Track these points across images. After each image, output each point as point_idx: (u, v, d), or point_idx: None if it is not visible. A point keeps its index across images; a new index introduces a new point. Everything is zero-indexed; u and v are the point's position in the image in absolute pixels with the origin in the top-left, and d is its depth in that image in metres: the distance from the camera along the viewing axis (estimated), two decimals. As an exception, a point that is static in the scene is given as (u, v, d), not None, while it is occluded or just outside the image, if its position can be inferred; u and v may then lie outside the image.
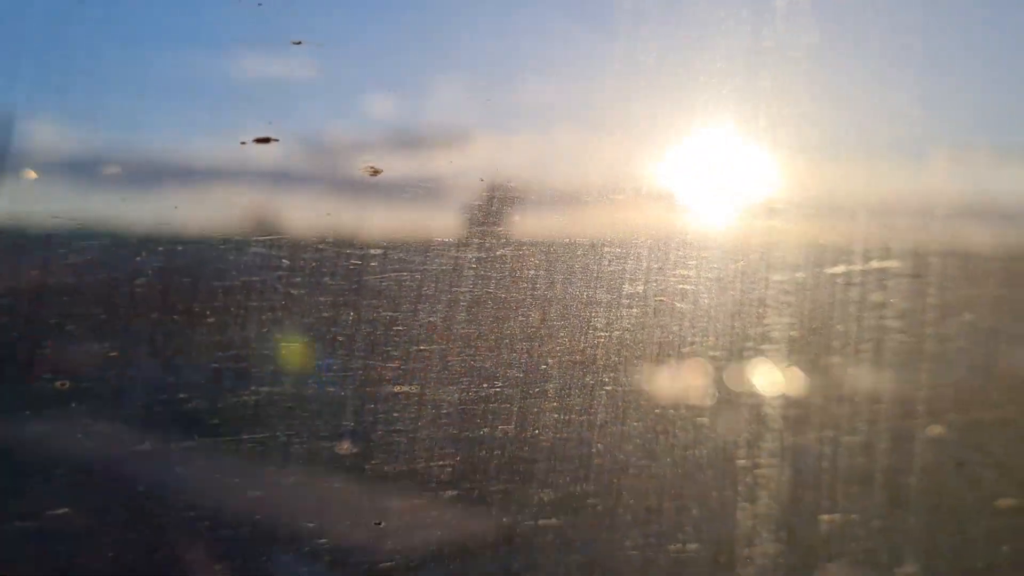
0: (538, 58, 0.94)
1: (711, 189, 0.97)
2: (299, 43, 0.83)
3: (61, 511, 0.80)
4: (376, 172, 0.85)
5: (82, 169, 0.81)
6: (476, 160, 0.90)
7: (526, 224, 0.90)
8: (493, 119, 0.91)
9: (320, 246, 0.84)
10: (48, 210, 0.79)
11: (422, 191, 0.87)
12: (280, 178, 0.85)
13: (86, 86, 0.80)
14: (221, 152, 0.83)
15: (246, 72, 0.85)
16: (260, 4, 0.81)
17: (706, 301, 0.95)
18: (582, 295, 0.91)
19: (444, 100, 0.91)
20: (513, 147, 0.93)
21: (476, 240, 0.88)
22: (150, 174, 0.83)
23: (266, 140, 0.83)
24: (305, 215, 0.86)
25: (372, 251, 0.85)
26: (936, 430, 1.06)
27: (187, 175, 0.84)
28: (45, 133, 0.81)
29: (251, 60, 0.85)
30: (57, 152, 0.81)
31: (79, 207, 0.80)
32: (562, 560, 0.94)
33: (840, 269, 1.00)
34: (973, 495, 1.09)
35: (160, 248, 0.81)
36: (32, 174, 0.79)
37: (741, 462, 0.99)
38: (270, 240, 0.83)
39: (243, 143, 0.82)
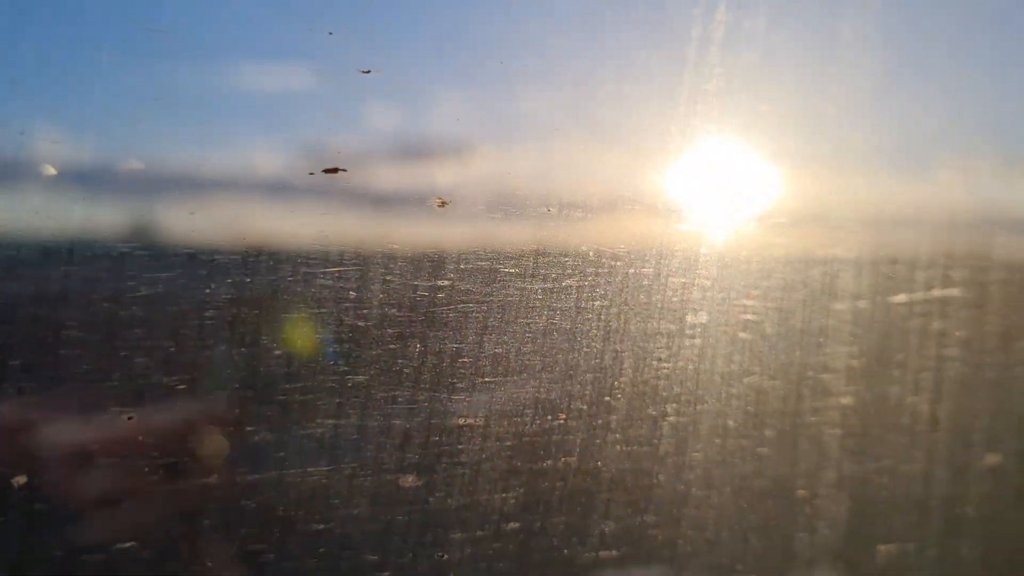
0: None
1: (724, 201, 0.95)
2: (368, 71, 0.82)
3: (128, 544, 0.79)
4: (444, 203, 0.84)
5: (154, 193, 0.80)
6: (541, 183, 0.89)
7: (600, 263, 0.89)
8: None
9: (393, 276, 0.83)
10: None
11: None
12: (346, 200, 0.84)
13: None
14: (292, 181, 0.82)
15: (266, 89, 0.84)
16: (331, 34, 0.80)
17: (770, 331, 0.94)
18: (646, 327, 0.90)
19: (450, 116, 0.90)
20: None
21: (544, 272, 0.87)
22: (212, 192, 0.82)
23: (334, 170, 0.82)
24: (369, 240, 0.85)
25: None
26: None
27: (247, 197, 0.83)
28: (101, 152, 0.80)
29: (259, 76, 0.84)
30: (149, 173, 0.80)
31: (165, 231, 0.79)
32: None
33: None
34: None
35: (228, 280, 0.80)
36: (51, 170, 0.77)
37: (801, 492, 0.98)
38: (339, 272, 0.82)
39: (311, 174, 0.81)
